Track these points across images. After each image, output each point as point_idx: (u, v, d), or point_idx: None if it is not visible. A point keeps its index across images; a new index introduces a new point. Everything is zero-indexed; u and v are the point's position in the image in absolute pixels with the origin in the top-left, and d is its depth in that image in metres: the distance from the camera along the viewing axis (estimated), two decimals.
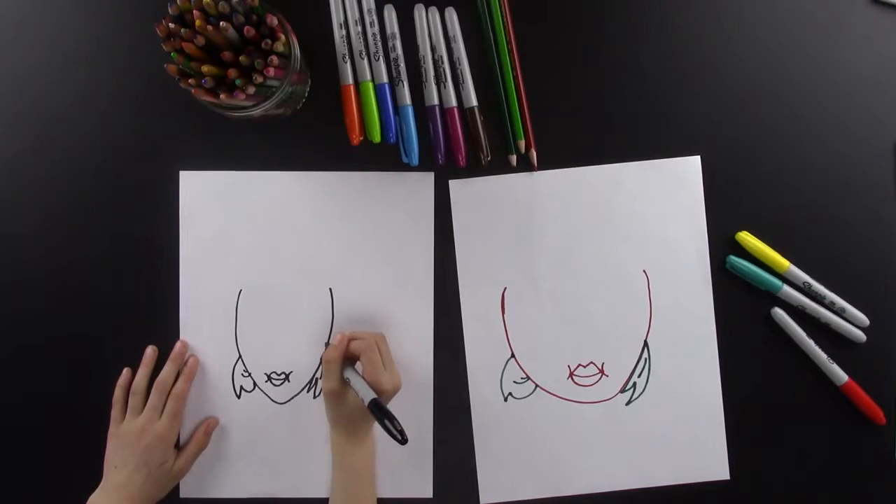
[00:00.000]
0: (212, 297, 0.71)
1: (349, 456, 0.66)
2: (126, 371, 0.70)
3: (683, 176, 0.71)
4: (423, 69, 0.70)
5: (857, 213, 0.71)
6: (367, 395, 0.62)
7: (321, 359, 0.65)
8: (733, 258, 0.70)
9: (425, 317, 0.70)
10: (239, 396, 0.71)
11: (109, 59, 0.71)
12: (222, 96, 0.59)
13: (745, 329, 0.70)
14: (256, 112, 0.63)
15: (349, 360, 0.66)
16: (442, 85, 0.70)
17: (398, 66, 0.70)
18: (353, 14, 0.70)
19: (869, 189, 0.71)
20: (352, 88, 0.69)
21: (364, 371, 0.64)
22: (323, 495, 0.70)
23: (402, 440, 0.60)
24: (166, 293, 0.70)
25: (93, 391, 0.70)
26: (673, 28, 0.71)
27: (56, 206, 0.71)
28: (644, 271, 0.71)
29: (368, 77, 0.69)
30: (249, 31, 0.59)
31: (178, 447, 0.69)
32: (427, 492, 0.70)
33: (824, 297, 0.69)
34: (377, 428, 0.63)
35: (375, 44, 0.69)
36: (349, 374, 0.64)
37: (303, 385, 0.71)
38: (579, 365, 0.70)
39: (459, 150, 0.70)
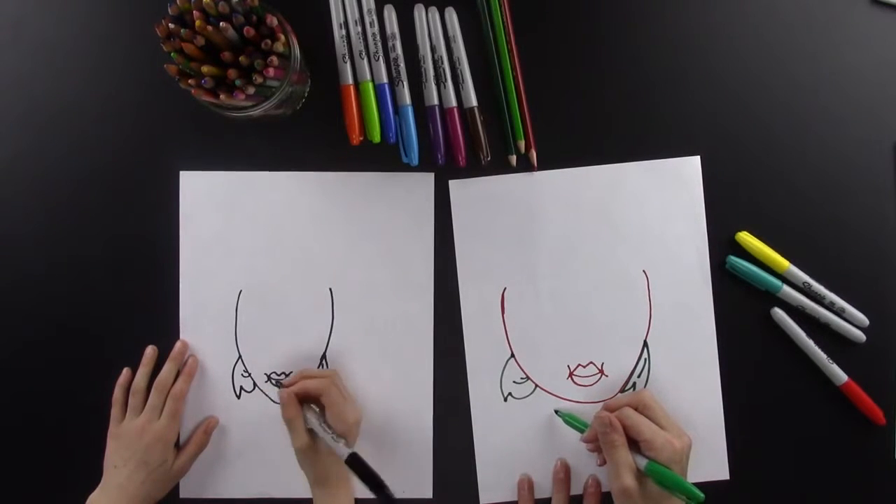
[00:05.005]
0: (212, 297, 0.71)
1: None
2: (126, 371, 0.70)
3: (683, 176, 0.71)
4: (422, 69, 0.70)
5: (857, 213, 0.71)
6: (343, 451, 0.61)
7: (285, 418, 0.64)
8: (733, 258, 0.70)
9: (425, 317, 0.70)
10: (239, 396, 0.71)
11: (109, 59, 0.71)
12: (222, 96, 0.59)
13: (744, 329, 0.70)
14: (256, 112, 0.63)
15: (309, 406, 0.65)
16: (442, 85, 0.70)
17: (398, 66, 0.70)
18: (352, 14, 0.70)
19: (869, 189, 0.71)
20: (352, 88, 0.69)
21: (328, 410, 0.64)
22: None
23: (392, 499, 0.59)
24: (166, 293, 0.70)
25: (93, 391, 0.70)
26: (673, 28, 0.71)
27: (56, 206, 0.71)
28: (644, 271, 0.71)
29: (368, 77, 0.70)
30: (249, 31, 0.59)
31: (178, 447, 0.69)
32: (427, 492, 0.70)
33: (824, 298, 0.69)
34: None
35: (375, 44, 0.69)
36: (319, 431, 0.63)
37: None
38: (579, 365, 0.71)
39: (459, 150, 0.70)
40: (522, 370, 0.71)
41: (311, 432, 0.64)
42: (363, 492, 0.70)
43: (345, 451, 0.61)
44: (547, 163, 0.71)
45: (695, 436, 0.64)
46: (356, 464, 0.61)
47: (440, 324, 0.70)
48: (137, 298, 0.71)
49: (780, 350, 0.70)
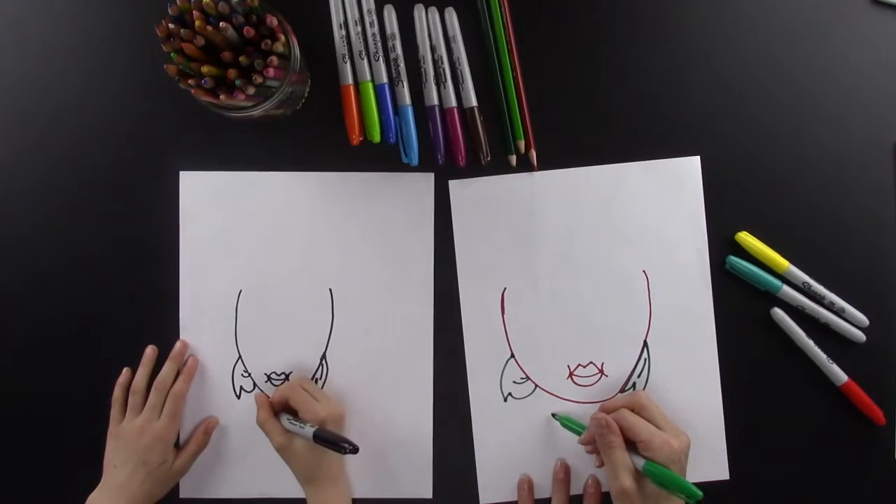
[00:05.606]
0: (212, 297, 0.71)
1: None
2: (126, 371, 0.70)
3: (683, 176, 0.71)
4: (422, 69, 0.70)
5: (857, 213, 0.71)
6: (308, 431, 0.63)
7: (258, 423, 0.67)
8: (733, 258, 0.70)
9: (425, 317, 0.70)
10: (239, 396, 0.71)
11: (109, 59, 0.71)
12: (222, 97, 0.59)
13: (744, 329, 0.70)
14: (256, 112, 0.63)
15: (284, 412, 0.67)
16: (442, 85, 0.70)
17: (398, 66, 0.70)
18: (352, 14, 0.70)
19: (869, 189, 0.71)
20: (351, 88, 0.69)
21: (297, 408, 0.65)
22: None
23: (354, 450, 0.61)
24: (166, 293, 0.70)
25: (93, 391, 0.70)
26: (673, 28, 0.71)
27: (56, 206, 0.71)
28: (644, 271, 0.71)
29: (368, 77, 0.69)
30: (249, 31, 0.59)
31: (178, 447, 0.69)
32: (427, 492, 0.70)
33: (824, 298, 0.69)
34: (349, 468, 0.68)
35: (375, 44, 0.69)
36: (287, 424, 0.65)
37: None
38: (579, 365, 0.71)
39: (459, 150, 0.70)
40: (522, 370, 0.71)
41: (289, 434, 0.65)
42: (362, 491, 0.70)
43: (309, 431, 0.62)
44: (547, 163, 0.71)
45: (694, 436, 0.64)
46: (322, 437, 0.62)
47: (440, 324, 0.70)
48: (137, 299, 0.71)
49: (780, 350, 0.70)
